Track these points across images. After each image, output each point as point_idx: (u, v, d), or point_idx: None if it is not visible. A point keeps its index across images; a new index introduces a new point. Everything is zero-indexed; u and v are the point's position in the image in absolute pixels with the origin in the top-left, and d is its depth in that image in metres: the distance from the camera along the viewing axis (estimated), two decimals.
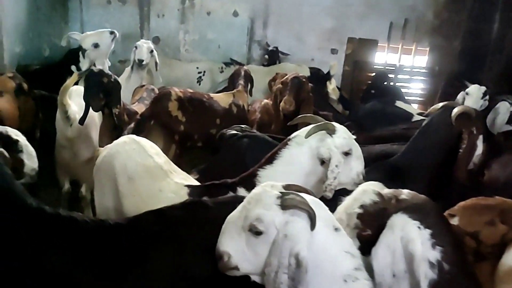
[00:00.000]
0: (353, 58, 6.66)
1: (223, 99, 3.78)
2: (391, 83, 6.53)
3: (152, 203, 1.82)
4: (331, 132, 1.92)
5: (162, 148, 3.24)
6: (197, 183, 2.04)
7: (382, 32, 6.62)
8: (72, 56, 4.72)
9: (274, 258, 1.27)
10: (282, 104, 3.11)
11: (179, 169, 2.14)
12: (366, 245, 1.39)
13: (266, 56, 5.94)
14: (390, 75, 6.46)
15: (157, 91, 3.86)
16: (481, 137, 2.33)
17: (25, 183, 2.34)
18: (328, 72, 5.07)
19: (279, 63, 6.00)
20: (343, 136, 1.93)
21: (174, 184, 1.91)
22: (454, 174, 2.36)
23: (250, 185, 1.79)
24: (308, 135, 1.90)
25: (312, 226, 1.28)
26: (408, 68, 6.74)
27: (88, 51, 4.15)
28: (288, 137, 2.06)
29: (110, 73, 2.99)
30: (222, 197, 1.74)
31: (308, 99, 3.20)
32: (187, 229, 1.53)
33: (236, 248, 1.35)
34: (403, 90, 6.67)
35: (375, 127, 3.77)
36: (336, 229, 1.35)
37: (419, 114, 4.54)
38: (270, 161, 1.99)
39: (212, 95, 3.80)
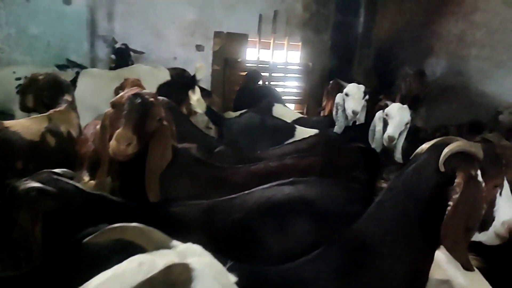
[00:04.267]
0: (222, 55, 5.81)
1: (29, 128, 2.47)
2: (266, 83, 5.90)
3: None
4: None
5: None
6: None
7: (251, 25, 5.90)
8: None
9: None
10: (112, 143, 1.80)
11: None
12: None
13: (113, 56, 4.65)
14: (263, 74, 5.80)
15: None
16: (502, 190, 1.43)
17: None
18: (194, 77, 4.07)
19: (132, 64, 4.76)
20: None
21: None
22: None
23: None
24: None
25: None
26: (282, 65, 6.18)
27: None
28: None
29: None
30: None
31: (161, 132, 1.90)
32: None
33: None
34: (278, 89, 6.13)
35: (255, 148, 2.93)
36: None
37: (297, 120, 3.88)
38: None
39: (8, 123, 2.44)
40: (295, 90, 6.39)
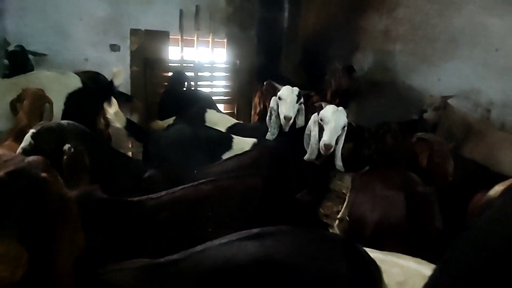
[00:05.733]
0: (141, 55, 5.24)
1: None
2: (192, 83, 5.48)
3: None
4: None
5: None
6: None
7: (172, 21, 5.41)
8: None
9: None
10: None
11: None
12: None
13: (6, 62, 3.86)
14: (189, 74, 5.36)
15: None
16: None
17: None
18: (111, 83, 3.51)
19: (31, 69, 4.03)
20: None
21: None
22: None
23: None
24: None
25: None
26: (208, 63, 5.78)
27: None
28: None
29: None
30: None
31: (66, 215, 1.11)
32: None
33: None
34: (206, 89, 5.74)
35: (189, 166, 2.55)
36: None
37: (232, 127, 3.55)
38: None
39: None
40: (223, 90, 6.04)
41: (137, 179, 2.19)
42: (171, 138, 2.86)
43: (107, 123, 3.91)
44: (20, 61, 3.93)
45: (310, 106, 3.99)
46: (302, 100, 3.42)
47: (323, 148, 2.77)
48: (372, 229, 1.88)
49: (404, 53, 4.68)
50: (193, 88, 5.36)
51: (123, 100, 4.44)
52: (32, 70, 4.03)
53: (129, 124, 2.86)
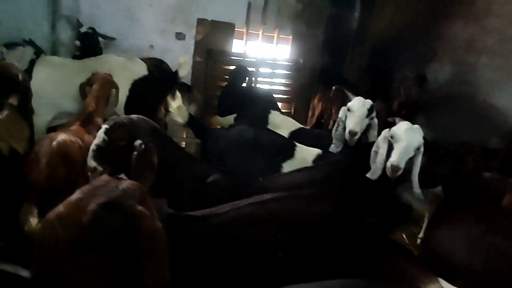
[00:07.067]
0: (205, 45, 5.17)
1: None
2: (252, 79, 5.33)
3: None
4: None
5: None
6: None
7: (239, 14, 5.28)
8: None
9: None
10: None
11: None
12: None
13: (77, 43, 3.90)
14: (250, 69, 5.22)
15: None
16: None
17: None
18: (175, 73, 3.43)
19: (101, 52, 4.06)
20: None
21: None
22: None
23: None
24: None
25: None
26: (271, 60, 5.59)
27: None
28: None
29: None
30: None
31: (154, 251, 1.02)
32: None
33: None
34: (265, 86, 5.58)
35: (253, 174, 2.40)
36: None
37: (296, 132, 3.34)
38: None
39: None
40: (282, 88, 5.84)
41: (201, 183, 2.07)
42: (232, 139, 2.71)
43: (167, 112, 3.86)
44: (91, 43, 3.96)
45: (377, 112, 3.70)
46: (374, 114, 3.11)
47: (390, 169, 2.45)
48: (468, 274, 1.61)
49: (489, 67, 4.23)
50: (253, 85, 5.21)
51: (184, 90, 4.38)
52: (100, 53, 4.07)
53: (190, 120, 2.75)
